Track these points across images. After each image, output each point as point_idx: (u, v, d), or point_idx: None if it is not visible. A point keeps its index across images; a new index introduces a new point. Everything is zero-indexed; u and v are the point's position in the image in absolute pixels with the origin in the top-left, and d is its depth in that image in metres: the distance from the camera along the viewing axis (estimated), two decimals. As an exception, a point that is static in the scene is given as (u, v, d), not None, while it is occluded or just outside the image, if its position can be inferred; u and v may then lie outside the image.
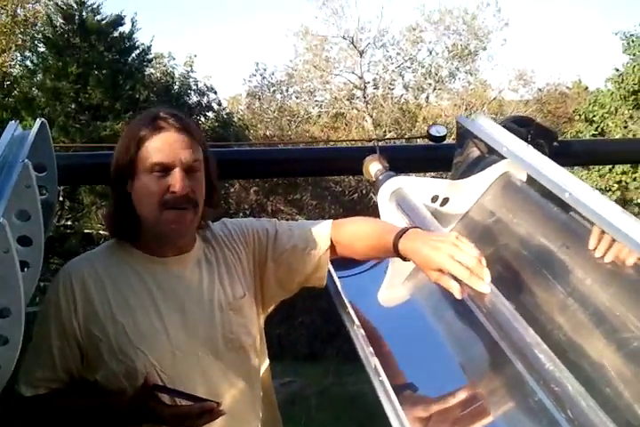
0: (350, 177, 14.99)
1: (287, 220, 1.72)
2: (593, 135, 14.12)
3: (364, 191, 15.82)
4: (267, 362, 1.66)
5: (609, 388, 1.15)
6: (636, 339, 1.19)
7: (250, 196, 16.10)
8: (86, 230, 12.33)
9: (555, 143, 2.04)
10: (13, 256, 1.14)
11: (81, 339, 1.44)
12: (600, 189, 13.69)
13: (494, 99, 20.46)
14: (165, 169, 1.41)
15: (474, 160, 1.79)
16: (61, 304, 1.45)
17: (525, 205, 1.64)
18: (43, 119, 1.55)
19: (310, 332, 11.26)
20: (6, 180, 1.30)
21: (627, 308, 1.24)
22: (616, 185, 14.16)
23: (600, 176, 13.89)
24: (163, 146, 1.42)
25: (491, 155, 1.70)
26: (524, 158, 1.51)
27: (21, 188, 1.31)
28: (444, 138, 2.09)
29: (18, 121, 1.56)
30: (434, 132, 2.07)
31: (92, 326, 1.44)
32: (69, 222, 12.66)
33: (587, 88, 19.82)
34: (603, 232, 1.26)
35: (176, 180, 1.41)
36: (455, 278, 1.28)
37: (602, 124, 14.16)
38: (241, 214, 15.45)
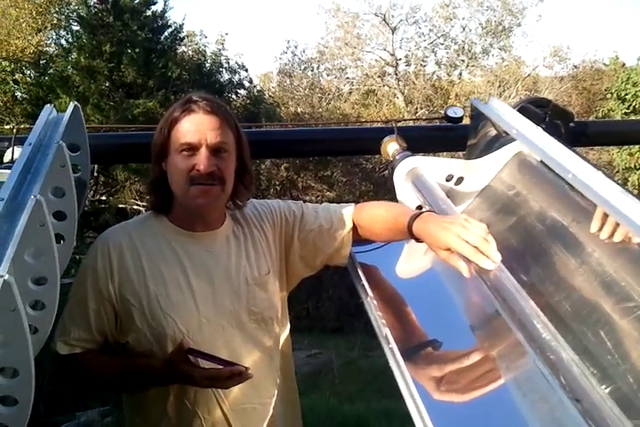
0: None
1: (318, 196, 1.79)
2: (625, 114, 13.76)
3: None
4: (287, 334, 1.73)
5: (602, 356, 1.22)
6: (633, 311, 1.25)
7: (281, 172, 16.11)
8: (120, 205, 12.45)
9: (571, 124, 2.06)
10: (49, 229, 1.23)
11: (116, 303, 1.53)
12: (629, 168, 13.46)
13: (528, 75, 20.11)
14: (193, 149, 1.51)
15: (488, 141, 1.83)
16: (99, 270, 1.53)
17: (538, 184, 1.68)
18: (76, 102, 1.63)
19: (337, 306, 11.37)
20: (42, 160, 1.39)
21: (629, 282, 1.30)
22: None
23: (629, 155, 13.62)
24: (191, 127, 1.51)
25: (503, 136, 1.75)
26: (533, 140, 1.56)
27: (56, 167, 1.39)
28: (460, 119, 2.09)
29: (52, 105, 1.64)
30: (451, 113, 2.07)
31: (126, 292, 1.52)
32: (104, 197, 12.83)
33: (624, 64, 19.32)
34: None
35: (201, 159, 1.50)
36: (463, 257, 1.35)
37: (634, 103, 13.81)
38: (272, 190, 15.50)
